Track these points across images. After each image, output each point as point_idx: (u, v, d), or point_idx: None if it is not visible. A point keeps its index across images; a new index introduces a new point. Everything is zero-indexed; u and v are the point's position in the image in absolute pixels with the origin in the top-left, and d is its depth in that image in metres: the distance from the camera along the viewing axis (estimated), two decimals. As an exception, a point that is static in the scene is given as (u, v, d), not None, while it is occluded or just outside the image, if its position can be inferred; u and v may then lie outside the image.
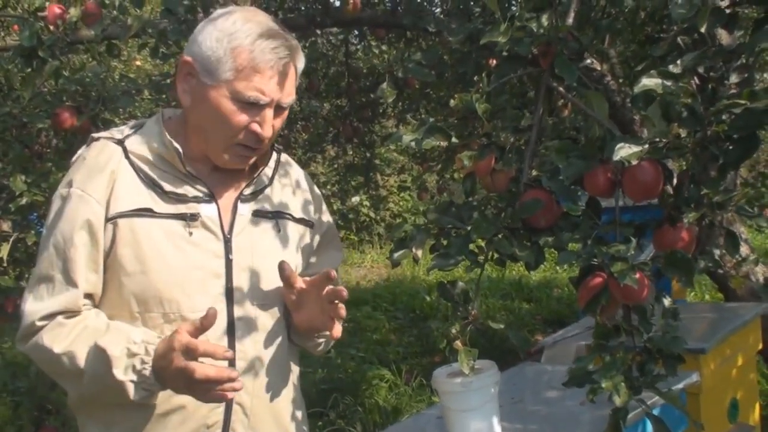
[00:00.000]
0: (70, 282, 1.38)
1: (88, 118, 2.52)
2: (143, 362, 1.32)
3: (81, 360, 1.34)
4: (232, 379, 1.28)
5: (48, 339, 1.36)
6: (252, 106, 1.40)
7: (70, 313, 1.39)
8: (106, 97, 2.52)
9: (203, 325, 1.30)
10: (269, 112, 1.42)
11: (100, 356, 1.33)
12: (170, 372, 1.29)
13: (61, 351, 1.35)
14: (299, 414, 1.60)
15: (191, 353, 1.28)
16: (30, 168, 2.46)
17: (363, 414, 4.38)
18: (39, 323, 1.37)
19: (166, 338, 1.32)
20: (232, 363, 1.34)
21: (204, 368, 1.27)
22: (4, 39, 2.78)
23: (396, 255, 1.43)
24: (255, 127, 1.41)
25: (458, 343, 1.36)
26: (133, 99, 2.67)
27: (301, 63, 1.46)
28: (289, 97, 1.44)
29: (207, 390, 1.29)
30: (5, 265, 2.46)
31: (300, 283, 1.47)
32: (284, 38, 1.41)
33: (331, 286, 1.43)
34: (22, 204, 2.33)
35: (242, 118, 1.40)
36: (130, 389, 1.32)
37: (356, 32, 4.52)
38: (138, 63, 7.82)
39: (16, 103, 2.46)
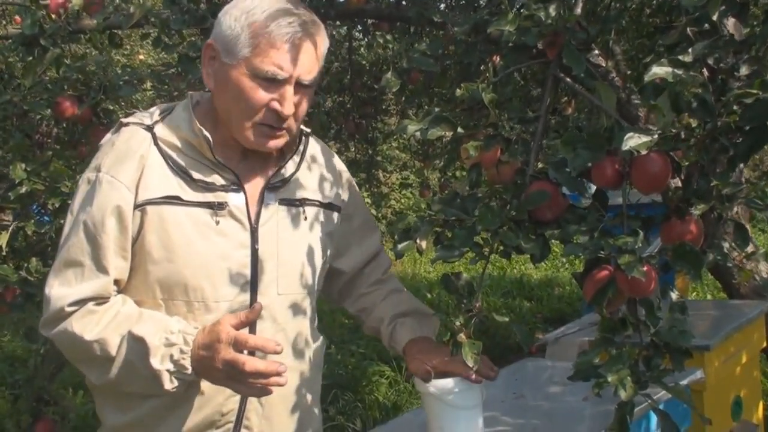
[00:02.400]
0: (101, 268, 1.37)
1: (89, 107, 2.51)
2: (182, 352, 1.31)
3: (113, 347, 1.33)
4: (279, 374, 1.27)
5: (78, 326, 1.34)
6: (271, 83, 1.38)
7: (101, 299, 1.37)
8: (108, 86, 2.51)
9: (248, 319, 1.30)
10: (289, 89, 1.39)
11: (136, 345, 1.31)
12: (214, 363, 1.28)
13: (93, 338, 1.33)
14: (314, 406, 1.59)
15: (240, 346, 1.27)
16: (30, 157, 2.44)
17: (363, 410, 4.37)
18: (68, 309, 1.35)
19: (207, 329, 1.31)
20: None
21: (254, 361, 1.26)
22: (5, 27, 2.77)
23: (400, 246, 1.40)
24: (275, 104, 1.39)
25: (462, 336, 1.34)
26: (134, 89, 2.65)
27: (322, 40, 1.43)
28: (309, 74, 1.41)
29: (252, 382, 1.28)
30: (4, 254, 2.45)
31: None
32: (300, 13, 1.39)
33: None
34: (22, 192, 2.32)
35: (262, 95, 1.38)
36: (165, 378, 1.31)
37: (360, 27, 4.49)
38: (141, 57, 7.82)
39: (16, 92, 2.44)
